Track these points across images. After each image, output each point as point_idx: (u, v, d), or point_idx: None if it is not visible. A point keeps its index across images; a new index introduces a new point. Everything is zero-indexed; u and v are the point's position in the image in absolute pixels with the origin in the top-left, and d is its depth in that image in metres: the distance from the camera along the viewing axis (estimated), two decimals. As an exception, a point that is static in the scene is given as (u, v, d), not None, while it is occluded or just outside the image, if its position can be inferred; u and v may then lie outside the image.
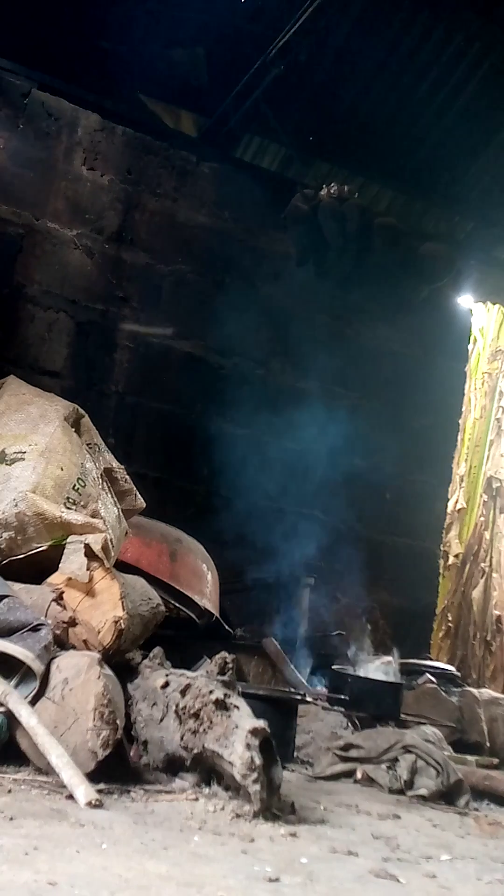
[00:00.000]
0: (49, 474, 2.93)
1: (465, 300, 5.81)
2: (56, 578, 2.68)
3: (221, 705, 2.15)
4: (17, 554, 2.83)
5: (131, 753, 2.35)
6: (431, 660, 5.21)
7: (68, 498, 2.95)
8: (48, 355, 4.53)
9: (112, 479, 3.27)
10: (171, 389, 4.85)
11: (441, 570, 5.97)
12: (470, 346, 6.09)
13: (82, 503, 2.99)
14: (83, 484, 3.02)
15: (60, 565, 2.68)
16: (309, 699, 3.42)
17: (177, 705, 2.26)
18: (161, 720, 2.30)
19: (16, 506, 2.81)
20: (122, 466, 3.37)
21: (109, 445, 3.50)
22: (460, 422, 5.94)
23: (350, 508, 5.31)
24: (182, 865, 1.61)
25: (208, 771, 2.22)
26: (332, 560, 4.94)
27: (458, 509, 6.65)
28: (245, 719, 2.10)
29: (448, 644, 6.42)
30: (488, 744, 3.97)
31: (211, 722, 2.15)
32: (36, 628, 2.33)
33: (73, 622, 2.52)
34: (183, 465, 4.82)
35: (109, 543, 2.81)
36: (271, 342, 5.15)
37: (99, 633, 2.50)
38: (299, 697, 3.22)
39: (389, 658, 4.08)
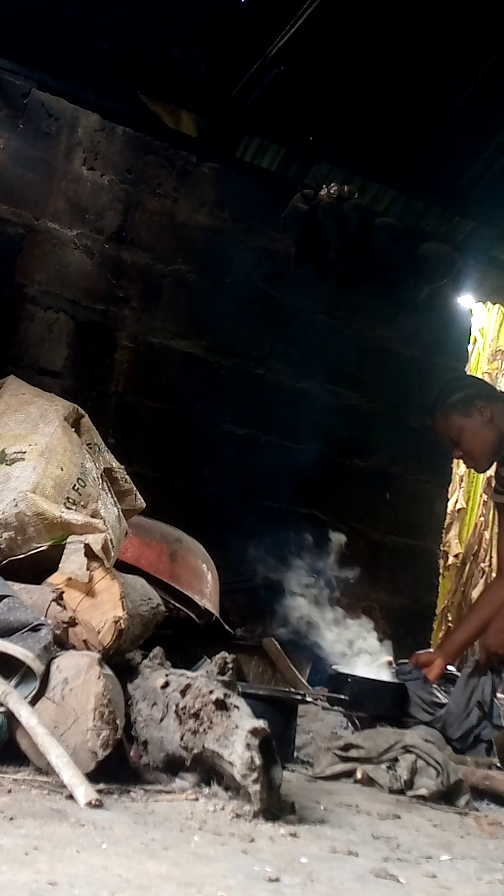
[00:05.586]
0: (49, 474, 2.93)
1: (465, 300, 5.81)
2: (56, 578, 2.68)
3: (221, 705, 2.15)
4: (17, 554, 2.83)
5: (131, 753, 2.35)
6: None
7: (68, 498, 2.95)
8: (48, 355, 4.53)
9: (112, 479, 3.27)
10: (171, 389, 4.85)
11: (441, 570, 5.97)
12: (470, 346, 6.09)
13: (82, 503, 2.98)
14: (83, 484, 3.02)
15: (60, 565, 2.68)
16: (309, 699, 3.42)
17: (177, 705, 2.26)
18: (161, 720, 2.30)
19: (16, 506, 2.81)
20: (122, 466, 3.36)
21: (109, 445, 3.49)
22: (460, 422, 5.93)
23: (350, 508, 5.31)
24: (182, 865, 1.61)
25: (208, 771, 2.22)
26: (332, 560, 4.94)
27: (458, 509, 6.67)
28: (245, 719, 2.09)
29: (448, 644, 6.41)
30: (488, 744, 3.97)
31: (211, 722, 2.14)
32: (36, 628, 2.33)
33: (73, 622, 2.52)
34: (183, 465, 4.82)
35: (109, 543, 2.81)
36: (271, 342, 5.15)
37: (99, 633, 2.50)
38: (299, 697, 3.22)
39: (389, 658, 4.07)
